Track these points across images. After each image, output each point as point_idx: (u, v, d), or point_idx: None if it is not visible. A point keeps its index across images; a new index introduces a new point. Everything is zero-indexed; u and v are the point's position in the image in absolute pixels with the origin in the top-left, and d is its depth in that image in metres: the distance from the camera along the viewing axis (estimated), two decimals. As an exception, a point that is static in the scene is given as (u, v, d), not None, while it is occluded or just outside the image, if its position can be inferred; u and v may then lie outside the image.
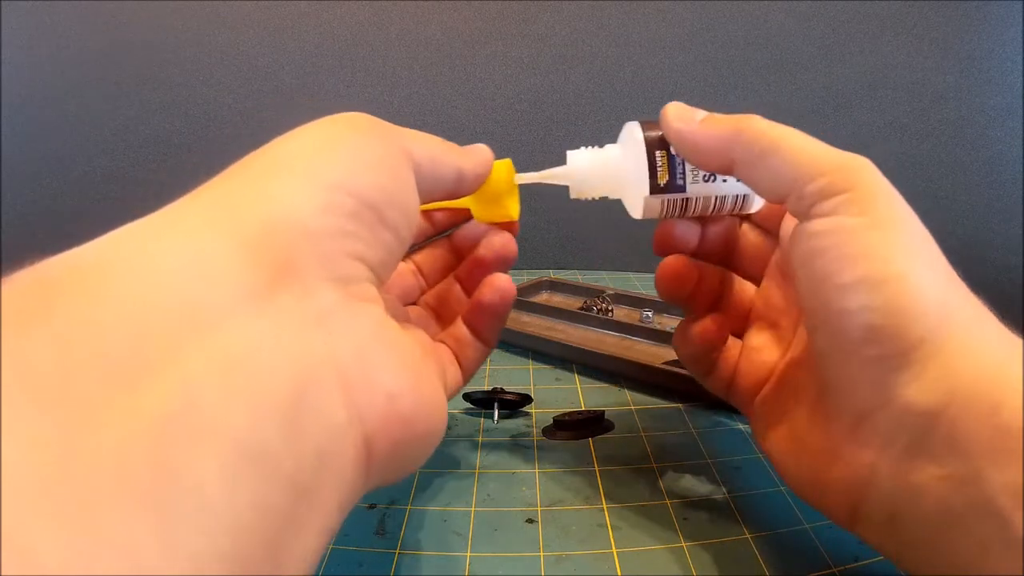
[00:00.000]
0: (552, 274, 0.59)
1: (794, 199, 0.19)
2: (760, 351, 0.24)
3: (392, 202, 0.17)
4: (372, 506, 0.25)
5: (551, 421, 0.32)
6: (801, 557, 0.22)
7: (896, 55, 0.66)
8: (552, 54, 0.67)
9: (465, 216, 0.27)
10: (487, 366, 0.40)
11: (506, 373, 0.39)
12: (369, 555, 0.23)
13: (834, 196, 0.18)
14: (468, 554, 0.23)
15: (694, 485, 0.27)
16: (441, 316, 0.27)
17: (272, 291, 0.13)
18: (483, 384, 0.37)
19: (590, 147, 0.25)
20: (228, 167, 0.17)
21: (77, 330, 0.10)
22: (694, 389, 0.35)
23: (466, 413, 0.34)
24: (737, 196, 0.24)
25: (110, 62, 0.64)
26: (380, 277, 0.17)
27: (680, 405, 0.35)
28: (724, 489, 0.27)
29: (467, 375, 0.24)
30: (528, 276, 0.57)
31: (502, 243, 0.25)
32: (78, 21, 0.63)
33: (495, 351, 0.42)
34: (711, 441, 0.31)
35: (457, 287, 0.27)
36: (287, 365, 0.13)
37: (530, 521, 0.25)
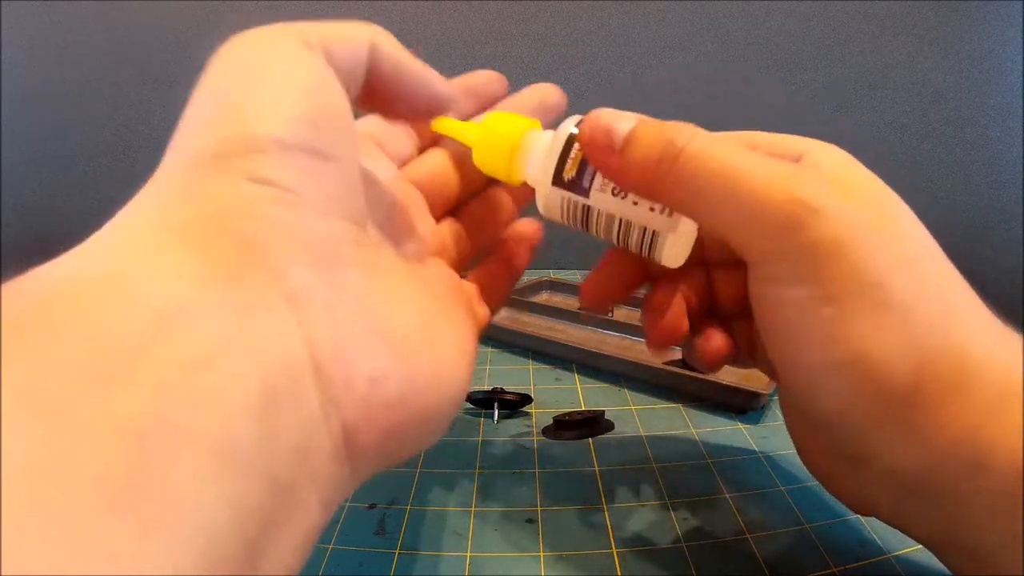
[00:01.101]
0: (552, 274, 0.59)
1: (736, 250, 0.18)
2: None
3: (320, 127, 0.15)
4: (372, 506, 0.25)
5: (551, 421, 0.32)
6: (801, 557, 0.22)
7: (896, 55, 0.66)
8: (552, 54, 0.67)
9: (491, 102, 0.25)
10: (487, 366, 0.40)
11: (506, 373, 0.39)
12: (369, 555, 0.23)
13: (784, 259, 0.16)
14: (468, 554, 0.23)
15: (695, 484, 0.27)
16: (471, 233, 0.23)
17: (232, 282, 0.13)
18: (483, 384, 0.37)
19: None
20: (169, 146, 0.16)
21: (44, 337, 0.11)
22: (694, 389, 0.35)
23: (466, 413, 0.34)
24: (645, 231, 0.20)
25: (110, 62, 0.64)
26: (356, 218, 0.16)
27: (680, 405, 0.35)
28: (724, 489, 0.27)
29: (495, 309, 0.23)
30: (528, 276, 0.57)
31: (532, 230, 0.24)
32: (78, 21, 0.63)
33: (495, 351, 0.42)
34: (711, 441, 0.31)
35: (496, 198, 0.24)
36: (255, 362, 0.12)
37: (530, 521, 0.25)
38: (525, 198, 0.24)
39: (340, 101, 0.16)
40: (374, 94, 0.18)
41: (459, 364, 0.17)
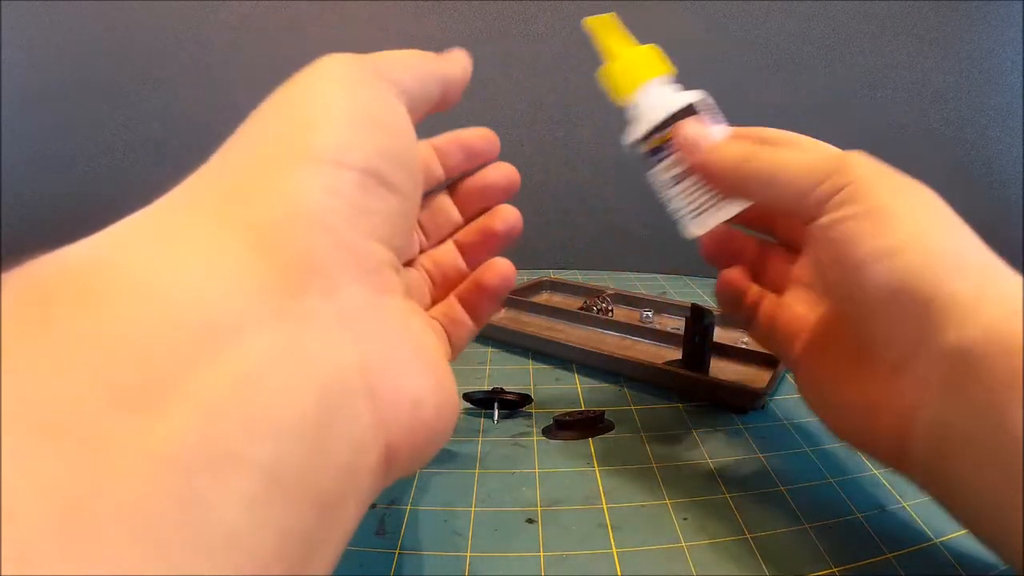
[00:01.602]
0: (552, 274, 0.59)
1: (802, 211, 0.21)
2: (795, 305, 0.25)
3: (393, 160, 0.16)
4: (372, 506, 0.25)
5: (551, 421, 0.32)
6: (801, 557, 0.22)
7: (896, 55, 0.66)
8: (552, 54, 0.67)
9: (479, 162, 0.26)
10: (487, 366, 0.40)
11: (506, 373, 0.39)
12: (369, 555, 0.23)
13: (835, 196, 0.20)
14: (468, 554, 0.23)
15: (695, 484, 0.27)
16: (436, 283, 0.25)
17: (293, 293, 0.12)
18: (483, 384, 0.37)
19: (680, 89, 0.27)
20: (221, 149, 0.16)
21: (80, 350, 0.09)
22: (694, 389, 0.35)
23: (466, 413, 0.34)
24: (678, 212, 0.27)
25: (110, 62, 0.64)
26: (398, 250, 0.16)
27: (680, 405, 0.35)
28: (724, 489, 0.27)
29: (455, 354, 0.23)
30: (528, 276, 0.57)
31: (514, 218, 0.25)
32: (78, 21, 0.63)
33: (495, 351, 0.42)
34: (711, 441, 0.31)
35: (458, 256, 0.25)
36: (312, 379, 0.12)
37: (530, 521, 0.25)
38: (506, 242, 0.26)
39: (411, 140, 0.18)
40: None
41: (456, 390, 0.18)
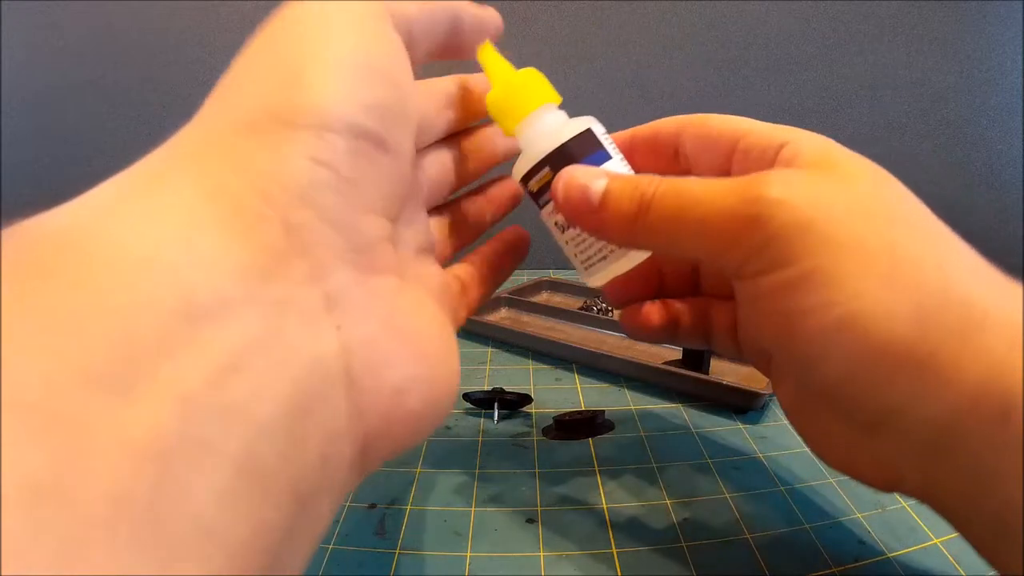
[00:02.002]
0: (552, 274, 0.59)
1: (719, 268, 0.18)
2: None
3: (389, 117, 0.14)
4: (372, 506, 0.25)
5: (551, 421, 0.32)
6: (801, 557, 0.22)
7: (896, 55, 0.66)
8: (552, 54, 0.67)
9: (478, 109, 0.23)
10: (487, 366, 0.40)
11: (506, 373, 0.39)
12: (369, 555, 0.23)
13: (756, 257, 0.16)
14: (468, 554, 0.23)
15: (695, 484, 0.27)
16: (457, 230, 0.23)
17: (273, 277, 0.12)
18: (483, 384, 0.37)
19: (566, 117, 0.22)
20: (206, 102, 0.15)
21: (58, 329, 0.09)
22: (694, 389, 0.35)
23: (466, 413, 0.34)
24: (575, 258, 0.22)
25: (110, 62, 0.64)
26: (394, 215, 0.15)
27: (680, 405, 0.35)
28: (724, 489, 0.27)
29: (470, 314, 0.22)
30: (528, 276, 0.57)
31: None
32: (78, 21, 0.63)
33: (495, 351, 0.42)
34: (711, 441, 0.31)
35: (478, 205, 0.24)
36: (289, 369, 0.11)
37: (530, 521, 0.25)
38: (520, 196, 0.24)
39: (410, 88, 0.16)
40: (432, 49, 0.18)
41: (457, 365, 0.17)
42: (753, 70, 0.66)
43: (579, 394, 0.36)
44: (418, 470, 0.28)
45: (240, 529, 0.10)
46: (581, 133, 0.21)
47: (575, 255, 0.22)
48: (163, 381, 0.09)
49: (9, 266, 0.09)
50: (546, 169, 0.21)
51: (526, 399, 0.33)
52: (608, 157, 0.21)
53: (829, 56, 0.66)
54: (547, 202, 0.21)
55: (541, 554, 0.23)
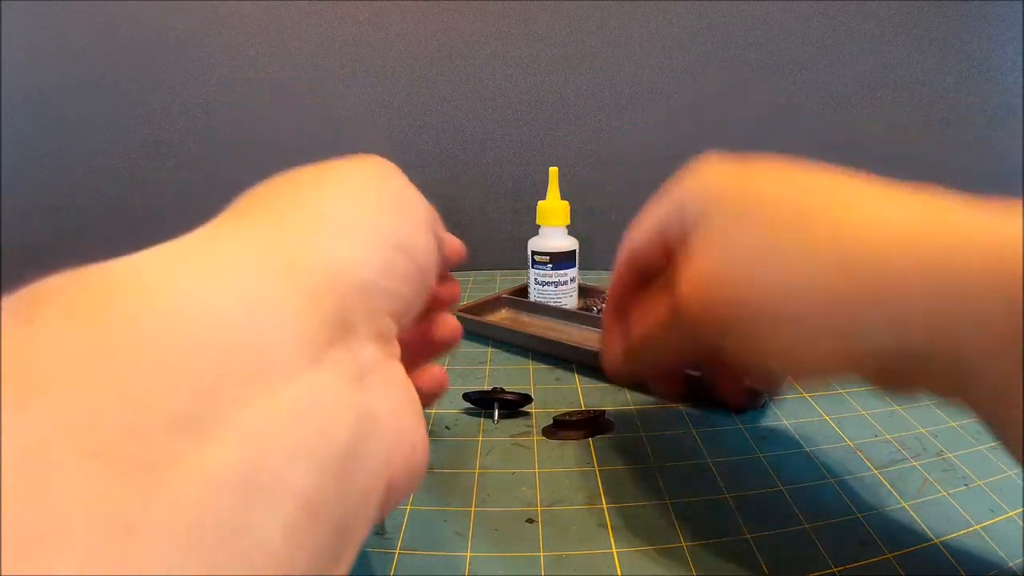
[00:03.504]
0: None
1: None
2: None
3: (432, 263, 0.19)
4: (372, 506, 0.25)
5: (551, 421, 0.32)
6: (801, 557, 0.22)
7: (896, 55, 0.66)
8: (552, 54, 0.67)
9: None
10: (487, 366, 0.40)
11: (506, 373, 0.39)
12: (369, 555, 0.23)
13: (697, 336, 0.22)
14: (468, 554, 0.23)
15: (695, 484, 0.27)
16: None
17: (330, 343, 0.14)
18: (483, 384, 0.37)
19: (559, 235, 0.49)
20: (261, 193, 0.18)
21: (141, 373, 0.10)
22: (694, 389, 0.35)
23: (466, 413, 0.34)
24: None
25: (110, 62, 0.64)
26: (402, 322, 0.18)
27: (680, 405, 0.35)
28: (724, 489, 0.27)
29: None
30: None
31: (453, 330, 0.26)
32: (78, 21, 0.63)
33: (495, 351, 0.42)
34: (711, 441, 0.31)
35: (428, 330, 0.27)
36: (346, 418, 0.13)
37: (530, 521, 0.25)
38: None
39: (433, 247, 0.20)
40: None
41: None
42: (753, 70, 0.66)
43: (579, 394, 0.36)
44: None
45: (301, 559, 0.11)
46: (572, 250, 0.49)
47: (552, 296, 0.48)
48: (239, 423, 0.11)
49: (86, 311, 0.10)
50: (548, 257, 0.48)
51: (526, 399, 0.33)
52: (574, 265, 0.49)
53: (829, 56, 0.66)
54: (538, 270, 0.49)
55: (541, 554, 0.23)
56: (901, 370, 0.18)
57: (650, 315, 0.24)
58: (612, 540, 0.23)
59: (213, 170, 0.66)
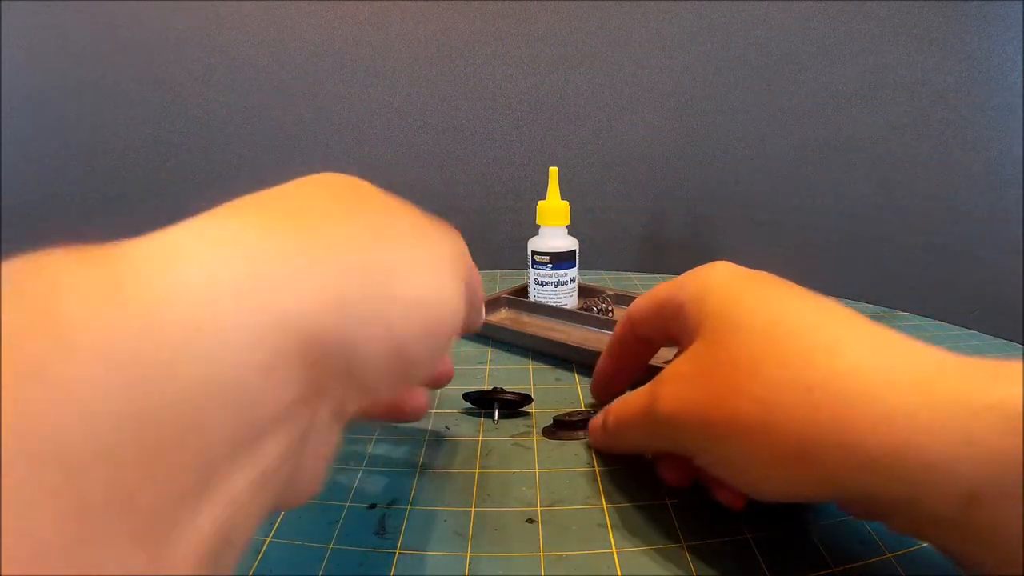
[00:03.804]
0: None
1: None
2: None
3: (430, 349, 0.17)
4: (372, 506, 0.25)
5: (551, 421, 0.32)
6: (801, 557, 0.22)
7: (896, 55, 0.66)
8: (552, 54, 0.67)
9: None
10: (487, 366, 0.40)
11: (506, 373, 0.39)
12: (369, 555, 0.23)
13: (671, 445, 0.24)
14: (468, 554, 0.23)
15: (693, 485, 0.27)
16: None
17: (300, 404, 0.13)
18: (483, 384, 0.37)
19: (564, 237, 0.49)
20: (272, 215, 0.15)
21: (152, 443, 0.10)
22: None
23: (466, 413, 0.34)
24: None
25: (110, 62, 0.64)
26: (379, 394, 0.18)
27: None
28: (724, 489, 0.27)
29: None
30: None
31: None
32: (78, 21, 0.63)
33: (495, 351, 0.42)
34: (711, 441, 0.31)
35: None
36: (287, 474, 0.14)
37: (530, 521, 0.25)
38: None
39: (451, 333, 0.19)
40: None
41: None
42: (753, 70, 0.66)
43: (579, 394, 0.36)
44: (418, 470, 0.28)
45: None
46: (572, 250, 0.48)
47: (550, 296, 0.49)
48: (226, 486, 0.11)
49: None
50: (548, 257, 0.48)
51: (526, 399, 0.33)
52: (574, 265, 0.49)
53: (829, 56, 0.66)
54: (536, 268, 0.49)
55: (541, 554, 0.23)
56: (858, 504, 0.19)
57: (631, 405, 0.25)
58: (612, 540, 0.23)
59: (213, 170, 0.66)
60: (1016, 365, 0.16)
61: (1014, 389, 0.15)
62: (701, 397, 0.21)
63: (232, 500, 0.11)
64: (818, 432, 0.18)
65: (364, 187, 0.19)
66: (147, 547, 0.09)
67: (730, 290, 0.23)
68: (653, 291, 0.28)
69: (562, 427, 0.31)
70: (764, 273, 0.24)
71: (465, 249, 0.21)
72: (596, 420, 0.29)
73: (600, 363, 0.32)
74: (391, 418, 0.27)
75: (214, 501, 0.11)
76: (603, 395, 0.33)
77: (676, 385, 0.22)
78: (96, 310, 0.10)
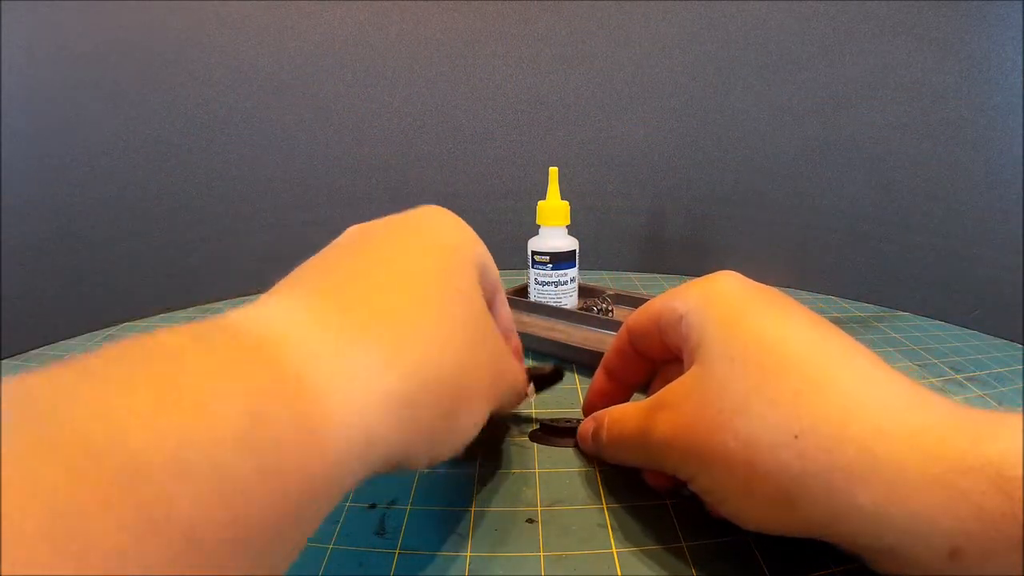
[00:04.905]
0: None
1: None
2: None
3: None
4: (372, 506, 0.25)
5: (538, 426, 0.32)
6: (801, 557, 0.22)
7: (896, 55, 0.66)
8: (552, 54, 0.67)
9: None
10: (487, 366, 0.40)
11: (506, 373, 0.39)
12: (369, 555, 0.23)
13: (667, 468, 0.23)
14: (468, 554, 0.23)
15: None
16: None
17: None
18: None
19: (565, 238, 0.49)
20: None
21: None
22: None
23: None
24: None
25: (110, 62, 0.64)
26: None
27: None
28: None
29: None
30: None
31: None
32: (78, 21, 0.63)
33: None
34: (711, 441, 0.31)
35: None
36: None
37: (530, 521, 0.25)
38: None
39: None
40: None
41: None
42: (753, 70, 0.66)
43: (579, 394, 0.36)
44: (418, 471, 0.28)
45: None
46: (572, 250, 0.48)
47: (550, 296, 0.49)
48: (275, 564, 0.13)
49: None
50: (548, 257, 0.48)
51: (557, 374, 0.32)
52: (574, 265, 0.49)
53: (829, 56, 0.66)
54: (536, 269, 0.49)
55: (541, 554, 0.23)
56: (841, 545, 0.19)
57: (628, 424, 0.25)
58: (612, 540, 0.23)
59: (213, 170, 0.66)
60: (1007, 419, 0.16)
61: (1003, 446, 0.15)
62: (691, 426, 0.21)
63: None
64: (803, 478, 0.18)
65: (460, 271, 0.22)
66: None
67: (732, 307, 0.22)
68: (649, 304, 0.27)
69: (549, 432, 0.31)
70: (770, 290, 0.24)
71: (512, 367, 0.25)
72: (586, 426, 0.28)
73: (595, 381, 0.31)
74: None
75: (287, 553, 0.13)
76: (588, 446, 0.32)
77: (671, 413, 0.22)
78: (294, 435, 0.13)
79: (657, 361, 0.28)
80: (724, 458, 0.19)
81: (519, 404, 0.27)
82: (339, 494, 0.15)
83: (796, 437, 0.18)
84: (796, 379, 0.19)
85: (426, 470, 0.28)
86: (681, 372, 0.23)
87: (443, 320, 0.19)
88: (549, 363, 0.32)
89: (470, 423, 0.20)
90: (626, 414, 0.26)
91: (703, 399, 0.21)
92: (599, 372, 0.30)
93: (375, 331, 0.17)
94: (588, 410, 0.30)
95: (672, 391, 0.23)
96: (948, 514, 0.16)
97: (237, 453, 0.12)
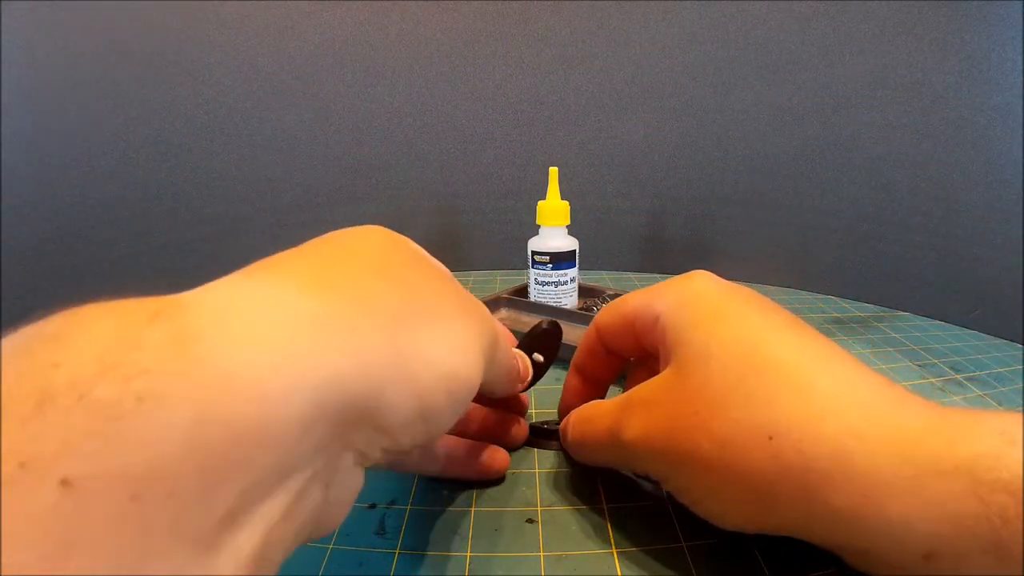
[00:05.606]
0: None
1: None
2: None
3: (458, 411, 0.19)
4: (372, 506, 0.25)
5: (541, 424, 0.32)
6: (801, 557, 0.22)
7: (896, 55, 0.66)
8: (552, 54, 0.67)
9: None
10: (487, 366, 0.40)
11: (506, 373, 0.39)
12: (369, 555, 0.23)
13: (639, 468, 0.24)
14: (468, 554, 0.23)
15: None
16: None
17: (323, 449, 0.14)
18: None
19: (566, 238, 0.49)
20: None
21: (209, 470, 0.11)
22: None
23: (466, 413, 0.34)
24: None
25: (110, 62, 0.64)
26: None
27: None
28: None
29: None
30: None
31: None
32: (78, 21, 0.63)
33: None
34: (711, 441, 0.31)
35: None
36: (311, 517, 0.15)
37: (530, 521, 0.25)
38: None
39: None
40: None
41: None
42: (753, 70, 0.66)
43: (579, 394, 0.36)
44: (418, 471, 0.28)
45: None
46: (572, 250, 0.49)
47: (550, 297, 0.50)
48: (264, 516, 0.13)
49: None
50: (548, 257, 0.48)
51: (555, 327, 0.31)
52: (574, 265, 0.49)
53: (829, 56, 0.66)
54: (536, 268, 0.49)
55: (541, 554, 0.23)
56: (817, 541, 0.19)
57: (597, 424, 0.25)
58: (612, 540, 0.23)
59: (213, 170, 0.66)
60: (984, 419, 0.16)
61: (978, 448, 0.15)
62: (666, 427, 0.21)
63: (267, 523, 0.12)
64: (777, 479, 0.18)
65: (401, 247, 0.20)
66: (198, 561, 0.11)
67: (709, 308, 0.22)
68: (621, 302, 0.27)
69: (537, 434, 0.31)
70: (746, 290, 0.23)
71: (494, 323, 0.22)
72: (563, 427, 0.28)
73: (567, 380, 0.30)
74: (457, 475, 0.27)
75: (252, 523, 0.12)
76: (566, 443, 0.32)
77: (644, 413, 0.22)
78: (169, 363, 0.11)
79: (629, 356, 0.28)
80: (700, 459, 0.19)
81: (516, 387, 0.26)
82: (297, 432, 0.13)
83: (771, 438, 0.18)
84: (773, 380, 0.19)
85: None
86: (654, 368, 0.23)
87: (377, 258, 0.18)
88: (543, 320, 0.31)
89: (438, 344, 0.17)
90: (595, 413, 0.25)
91: (679, 400, 0.20)
92: (571, 372, 0.30)
93: (292, 271, 0.16)
94: (564, 410, 0.30)
95: (645, 391, 0.22)
96: (922, 518, 0.16)
97: (103, 380, 0.11)
